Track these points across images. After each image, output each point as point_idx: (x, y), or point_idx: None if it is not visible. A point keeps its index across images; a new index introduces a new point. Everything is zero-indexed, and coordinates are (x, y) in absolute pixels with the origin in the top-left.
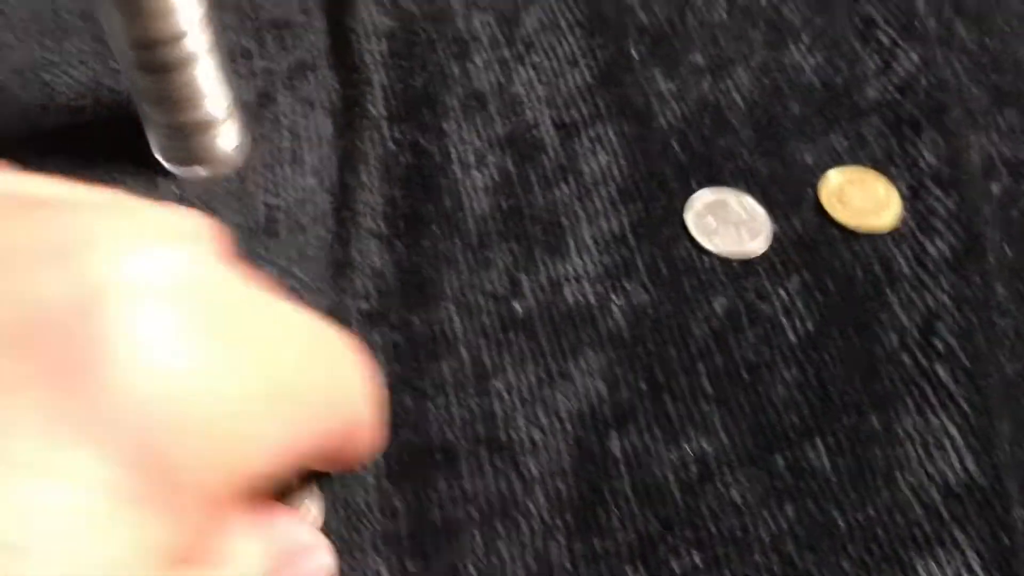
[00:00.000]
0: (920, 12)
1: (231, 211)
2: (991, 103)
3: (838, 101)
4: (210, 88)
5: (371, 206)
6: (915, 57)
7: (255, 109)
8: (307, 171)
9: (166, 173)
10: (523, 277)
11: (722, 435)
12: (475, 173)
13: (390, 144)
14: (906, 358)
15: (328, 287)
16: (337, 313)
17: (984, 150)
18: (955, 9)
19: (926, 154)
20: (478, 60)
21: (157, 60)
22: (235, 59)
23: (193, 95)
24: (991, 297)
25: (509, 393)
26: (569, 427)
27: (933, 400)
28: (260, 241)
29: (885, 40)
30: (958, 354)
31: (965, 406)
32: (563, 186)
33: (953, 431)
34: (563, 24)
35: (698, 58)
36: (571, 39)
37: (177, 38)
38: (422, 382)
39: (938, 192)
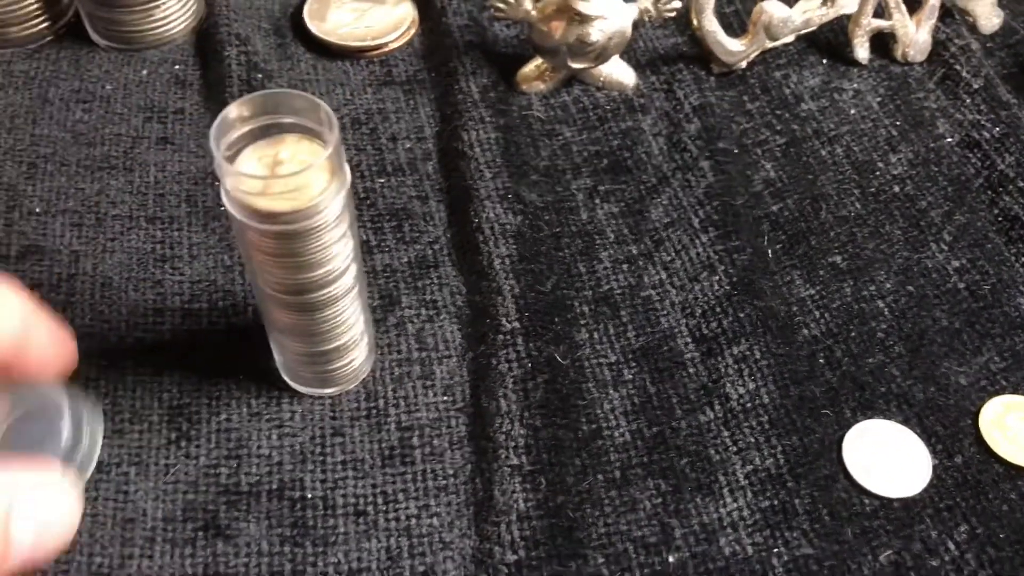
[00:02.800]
0: None
1: (362, 434)
2: None
3: (988, 312)
4: (353, 318)
5: (512, 437)
6: None
7: (378, 313)
8: (438, 387)
9: (292, 392)
10: (674, 522)
11: None
12: (612, 392)
13: (527, 363)
14: None
15: (470, 528)
16: (482, 561)
17: None
18: None
19: None
20: (605, 257)
21: (307, 303)
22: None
23: (336, 328)
24: None
25: None
26: None
27: None
28: (395, 469)
29: None
30: None
31: None
32: (708, 411)
33: None
34: (696, 222)
35: (837, 259)
36: (704, 239)
37: (331, 282)
38: None
39: None
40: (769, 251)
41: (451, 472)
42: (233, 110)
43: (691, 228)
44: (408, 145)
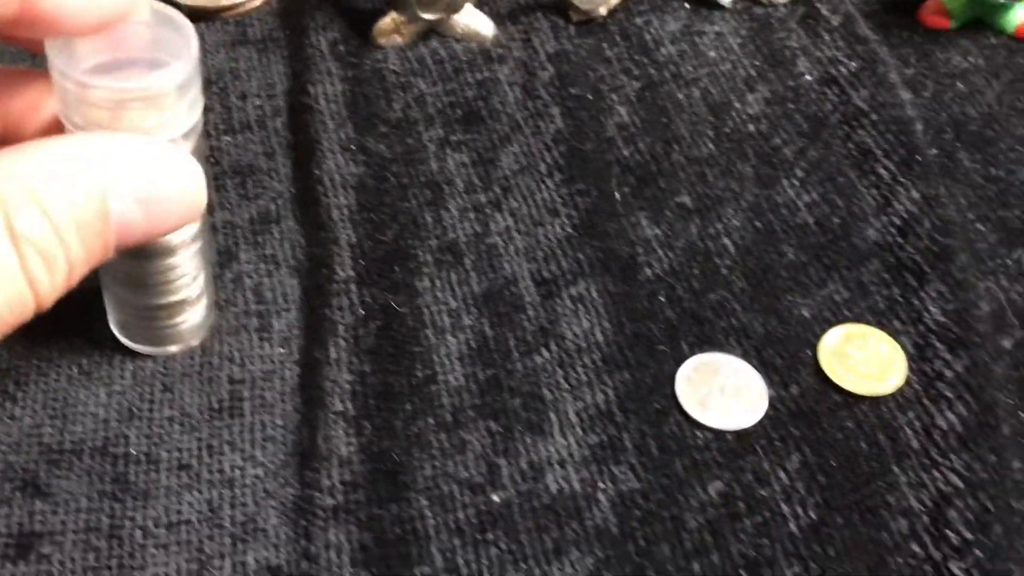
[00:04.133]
0: (921, 143)
1: (193, 390)
2: (999, 242)
3: (835, 245)
4: (192, 270)
5: (339, 384)
6: (916, 195)
7: (216, 270)
8: (275, 340)
9: (124, 350)
10: (502, 462)
11: None
12: (449, 338)
13: (360, 310)
14: (916, 548)
15: (293, 477)
16: (301, 508)
17: (994, 298)
18: (956, 135)
19: (931, 308)
20: (452, 207)
21: (142, 250)
22: None
23: (175, 279)
24: (1007, 476)
25: None
26: None
27: None
28: (223, 422)
29: (884, 174)
30: (974, 549)
31: None
32: (544, 352)
33: None
34: (542, 167)
35: (686, 199)
36: (550, 183)
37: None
38: None
39: (945, 354)
40: (616, 193)
41: (280, 423)
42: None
43: (538, 174)
44: (258, 103)
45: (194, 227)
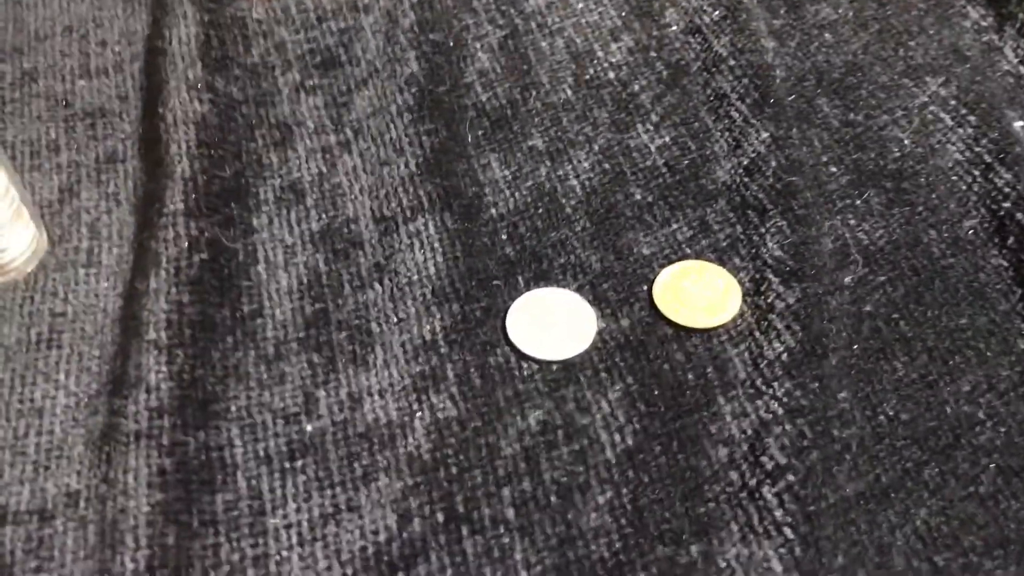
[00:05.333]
0: (777, 87)
1: (11, 323)
2: (850, 184)
3: (684, 186)
4: None
5: (154, 313)
6: (766, 135)
7: (55, 207)
8: (103, 274)
9: None
10: (320, 393)
11: (522, 573)
12: (281, 273)
13: (183, 242)
14: (734, 475)
15: (103, 406)
16: (106, 434)
17: (839, 236)
18: (818, 82)
19: (770, 243)
20: (300, 148)
21: None
22: (39, 153)
23: None
24: (830, 406)
25: (287, 531)
26: (350, 571)
27: (758, 527)
28: (40, 353)
29: (737, 116)
30: (787, 473)
31: (791, 535)
32: (376, 287)
33: (776, 566)
34: (393, 109)
35: (538, 142)
36: (400, 124)
37: None
38: (189, 517)
39: (779, 286)
40: (469, 136)
41: (97, 354)
42: None
43: (389, 115)
44: (117, 49)
45: None
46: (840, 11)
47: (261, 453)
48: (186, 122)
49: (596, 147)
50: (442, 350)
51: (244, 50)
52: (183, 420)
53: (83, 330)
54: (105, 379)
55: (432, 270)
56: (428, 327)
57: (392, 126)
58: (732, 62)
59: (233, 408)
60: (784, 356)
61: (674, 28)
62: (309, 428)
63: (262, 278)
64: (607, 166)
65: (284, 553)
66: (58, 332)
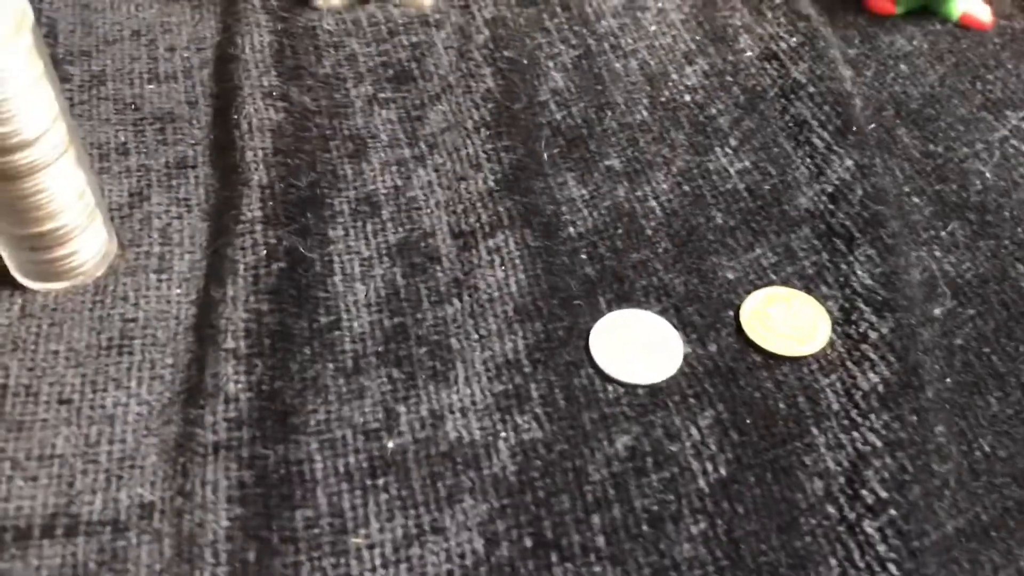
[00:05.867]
0: (858, 115)
1: (82, 326)
2: (934, 215)
3: (766, 211)
4: (67, 195)
5: (233, 321)
6: (850, 163)
7: (125, 211)
8: (174, 280)
9: (16, 286)
10: (400, 408)
11: None
12: (358, 286)
13: (262, 250)
14: (831, 509)
15: (177, 415)
16: (182, 445)
17: (925, 267)
18: (896, 112)
19: (859, 272)
20: (375, 160)
21: (3, 169)
22: (108, 156)
23: (46, 204)
24: (928, 439)
25: (370, 551)
26: None
27: (859, 562)
28: (111, 359)
29: (819, 143)
30: (889, 508)
31: (895, 571)
32: (456, 302)
33: None
34: (469, 124)
35: (615, 162)
36: (476, 140)
37: (23, 145)
38: (269, 533)
39: (871, 316)
40: (545, 154)
41: (170, 362)
42: None
43: (465, 131)
44: (186, 55)
45: (54, 147)
46: (915, 43)
47: (341, 469)
48: (261, 130)
49: (675, 169)
50: (525, 369)
51: (316, 60)
52: (263, 432)
53: (155, 337)
54: (178, 388)
55: (513, 287)
56: (511, 345)
57: (468, 141)
58: (811, 89)
59: (312, 422)
60: (880, 387)
61: (749, 54)
62: (390, 445)
63: (339, 289)
64: (687, 188)
65: (367, 575)
66: (129, 338)
